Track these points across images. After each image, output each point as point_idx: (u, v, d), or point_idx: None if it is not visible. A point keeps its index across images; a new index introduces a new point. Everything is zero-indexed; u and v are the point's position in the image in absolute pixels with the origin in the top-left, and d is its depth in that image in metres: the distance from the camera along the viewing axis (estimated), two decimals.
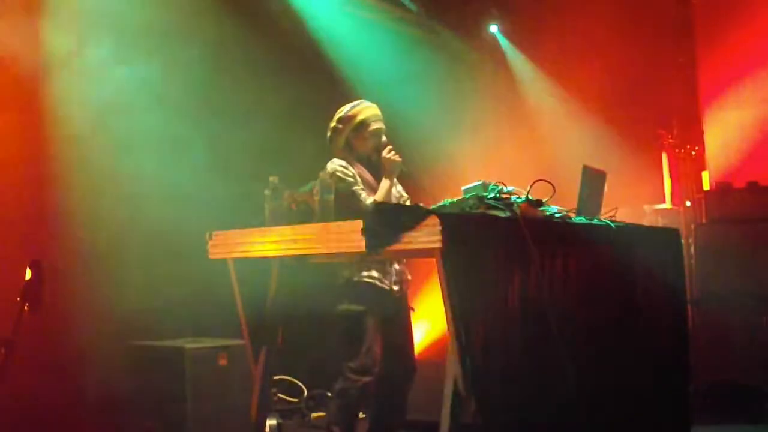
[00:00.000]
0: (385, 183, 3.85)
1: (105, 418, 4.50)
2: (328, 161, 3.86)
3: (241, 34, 5.62)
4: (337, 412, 3.80)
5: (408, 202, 4.02)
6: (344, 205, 3.63)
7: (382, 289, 3.78)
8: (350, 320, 3.73)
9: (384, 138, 3.95)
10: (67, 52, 4.67)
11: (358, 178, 3.84)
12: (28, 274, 2.80)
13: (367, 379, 3.67)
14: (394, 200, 3.95)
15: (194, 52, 5.25)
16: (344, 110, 3.97)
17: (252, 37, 5.69)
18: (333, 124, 3.97)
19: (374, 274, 3.77)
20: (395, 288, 3.84)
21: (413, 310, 3.98)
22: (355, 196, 3.75)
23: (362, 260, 3.70)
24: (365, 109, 3.96)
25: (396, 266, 3.86)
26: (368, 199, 3.76)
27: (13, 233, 4.31)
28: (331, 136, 3.99)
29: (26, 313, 2.76)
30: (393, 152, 3.85)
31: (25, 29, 4.47)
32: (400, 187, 4.06)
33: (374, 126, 3.93)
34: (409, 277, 3.96)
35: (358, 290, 3.76)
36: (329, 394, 4.49)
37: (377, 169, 3.92)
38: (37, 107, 4.55)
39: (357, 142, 3.94)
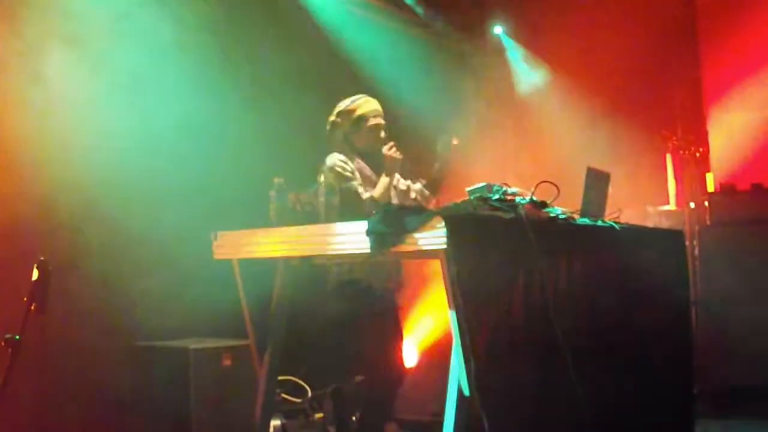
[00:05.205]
0: (383, 180, 3.85)
1: (109, 419, 4.51)
2: (328, 155, 3.86)
3: (246, 28, 5.63)
4: (331, 411, 3.82)
5: (421, 189, 4.00)
6: (343, 201, 3.65)
7: (369, 289, 3.75)
8: (338, 322, 3.73)
9: (384, 134, 3.95)
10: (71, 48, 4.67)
11: (357, 174, 3.85)
12: (35, 274, 2.79)
13: (358, 379, 3.68)
14: (401, 194, 3.96)
15: (198, 43, 5.25)
16: (343, 104, 3.98)
17: (256, 32, 5.69)
18: (332, 117, 3.98)
19: (360, 275, 3.73)
20: (384, 288, 3.81)
21: (400, 308, 3.94)
22: (352, 192, 3.75)
23: (350, 261, 3.67)
24: (364, 104, 3.96)
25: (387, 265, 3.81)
26: (365, 194, 3.77)
27: (19, 233, 4.31)
28: (330, 129, 3.99)
29: (33, 313, 2.76)
30: (394, 149, 3.85)
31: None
32: (409, 182, 4.03)
33: (373, 121, 3.94)
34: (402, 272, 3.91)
35: (344, 292, 3.75)
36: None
37: (378, 164, 3.91)
38: (36, 108, 4.55)
39: (355, 136, 3.95)
